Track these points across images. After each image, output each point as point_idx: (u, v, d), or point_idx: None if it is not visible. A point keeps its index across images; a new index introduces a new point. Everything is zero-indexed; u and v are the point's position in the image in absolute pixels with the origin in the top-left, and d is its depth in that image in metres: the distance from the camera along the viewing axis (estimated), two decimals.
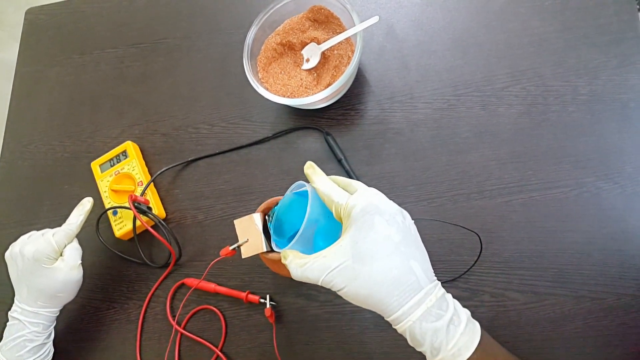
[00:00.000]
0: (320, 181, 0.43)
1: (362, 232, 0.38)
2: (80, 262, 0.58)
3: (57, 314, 0.59)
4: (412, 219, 0.42)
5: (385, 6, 0.69)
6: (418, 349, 0.39)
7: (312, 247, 0.45)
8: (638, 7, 0.62)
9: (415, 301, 0.37)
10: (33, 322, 0.56)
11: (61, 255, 0.57)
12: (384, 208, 0.40)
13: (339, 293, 0.39)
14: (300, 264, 0.40)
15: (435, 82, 0.63)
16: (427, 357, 0.38)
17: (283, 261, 0.43)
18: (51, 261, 0.56)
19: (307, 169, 0.45)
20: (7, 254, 0.58)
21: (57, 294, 0.57)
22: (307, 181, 0.46)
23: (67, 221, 0.60)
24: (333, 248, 0.40)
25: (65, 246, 0.58)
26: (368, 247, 0.38)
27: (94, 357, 0.65)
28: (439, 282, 0.40)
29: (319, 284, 0.39)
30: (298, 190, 0.49)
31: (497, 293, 0.54)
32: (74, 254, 0.58)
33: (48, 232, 0.58)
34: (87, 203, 0.61)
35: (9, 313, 0.57)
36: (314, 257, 0.40)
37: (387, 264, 0.38)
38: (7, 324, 0.56)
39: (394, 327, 0.39)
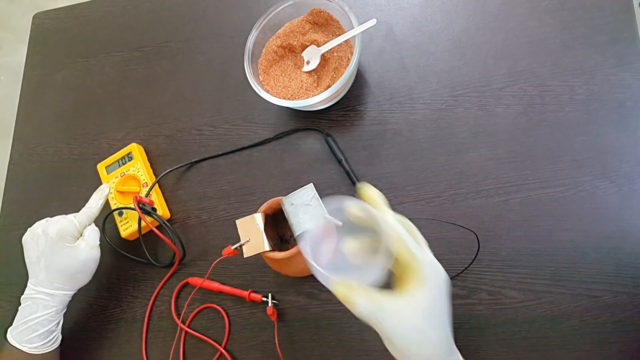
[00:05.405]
0: (392, 220, 0.39)
1: (433, 293, 0.37)
2: (99, 242, 0.61)
3: (70, 298, 0.60)
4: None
5: (384, 8, 0.70)
6: None
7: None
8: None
9: None
10: (48, 304, 0.57)
11: (81, 235, 0.60)
12: (445, 277, 0.39)
13: (387, 333, 0.36)
14: (370, 299, 0.37)
15: (434, 83, 0.64)
16: None
17: (345, 292, 0.37)
18: (74, 240, 0.59)
19: (371, 199, 0.40)
20: (26, 236, 0.60)
21: (76, 274, 0.59)
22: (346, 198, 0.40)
23: (87, 205, 0.63)
24: (407, 298, 0.37)
25: (86, 227, 0.61)
26: (436, 312, 0.37)
27: (101, 354, 0.66)
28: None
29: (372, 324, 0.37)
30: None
31: (494, 291, 0.55)
32: (93, 234, 0.61)
33: (68, 215, 0.61)
34: (105, 188, 0.65)
35: (22, 297, 0.58)
36: (384, 298, 0.37)
37: (443, 334, 0.37)
38: (20, 307, 0.58)
39: None
